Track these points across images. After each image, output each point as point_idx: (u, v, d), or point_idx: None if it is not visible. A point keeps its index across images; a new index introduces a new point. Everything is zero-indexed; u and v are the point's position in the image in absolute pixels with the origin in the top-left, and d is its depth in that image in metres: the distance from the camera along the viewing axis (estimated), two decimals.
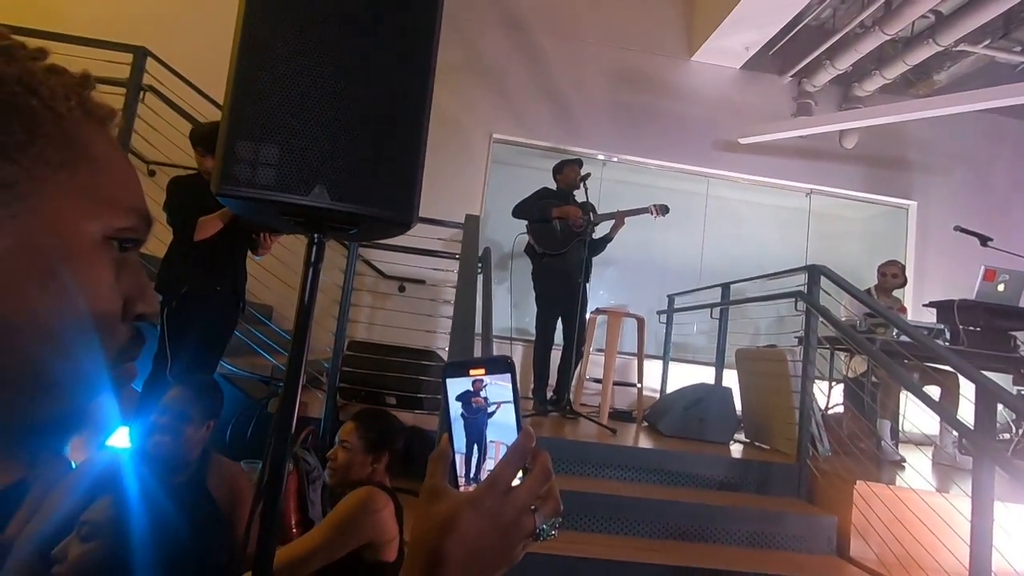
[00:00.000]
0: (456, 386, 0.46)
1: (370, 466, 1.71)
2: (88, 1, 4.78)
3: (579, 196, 3.83)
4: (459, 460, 0.45)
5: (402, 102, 1.05)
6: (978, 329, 3.42)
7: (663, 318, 4.93)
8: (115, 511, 1.33)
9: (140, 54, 3.22)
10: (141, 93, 3.22)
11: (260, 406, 2.95)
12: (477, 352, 2.25)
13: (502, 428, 0.45)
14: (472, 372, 0.46)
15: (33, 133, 0.33)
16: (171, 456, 1.68)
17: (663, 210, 3.73)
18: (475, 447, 0.45)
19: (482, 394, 0.45)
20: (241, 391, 2.98)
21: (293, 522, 2.11)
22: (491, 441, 0.45)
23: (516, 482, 0.42)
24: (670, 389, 4.38)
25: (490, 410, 0.45)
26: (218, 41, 0.96)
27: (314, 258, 1.14)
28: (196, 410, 1.72)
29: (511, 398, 0.45)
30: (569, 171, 3.90)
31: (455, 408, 0.45)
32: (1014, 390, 4.68)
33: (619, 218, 3.76)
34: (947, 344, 3.33)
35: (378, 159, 1.03)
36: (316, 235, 1.13)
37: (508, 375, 0.46)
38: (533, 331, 4.03)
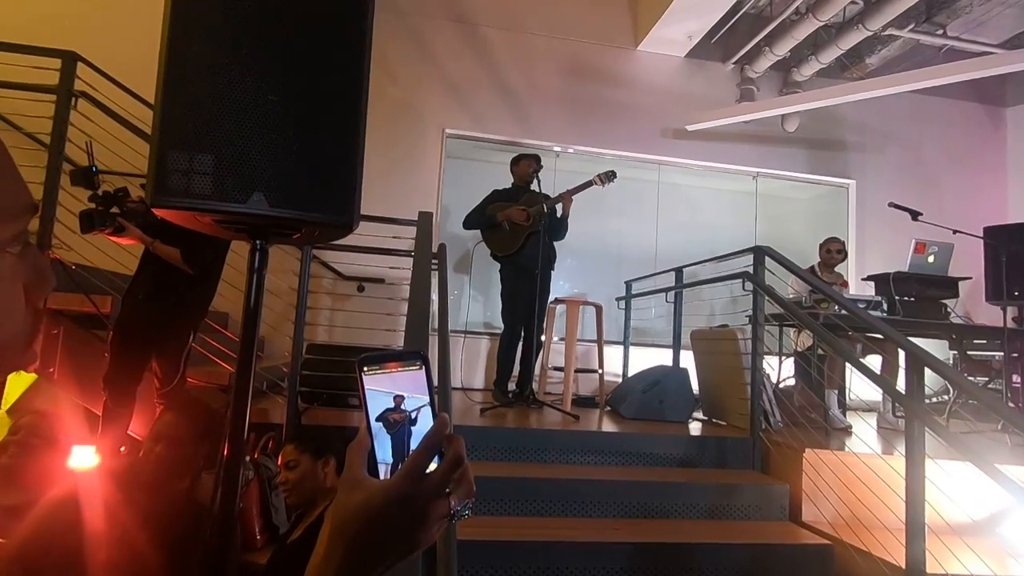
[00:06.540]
0: (376, 400, 0.45)
1: (321, 471, 1.80)
2: (13, 5, 4.54)
3: (534, 189, 3.88)
4: (384, 470, 0.45)
5: (337, 105, 1.05)
6: (912, 299, 3.62)
7: (622, 304, 5.04)
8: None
9: (69, 59, 3.08)
10: (73, 100, 3.09)
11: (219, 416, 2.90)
12: (434, 348, 2.27)
13: (425, 432, 0.45)
14: (388, 366, 0.46)
15: None
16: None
17: (609, 177, 3.72)
18: (401, 460, 0.45)
19: (403, 407, 0.46)
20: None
21: (257, 529, 2.09)
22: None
23: (433, 466, 0.43)
24: (631, 373, 4.49)
25: (412, 416, 0.46)
26: (151, 43, 0.95)
27: (257, 264, 1.14)
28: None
29: (427, 399, 0.46)
30: (525, 165, 3.95)
31: (376, 426, 0.45)
32: (950, 355, 4.99)
33: (566, 197, 3.81)
34: (884, 315, 3.52)
35: (316, 163, 1.03)
36: (258, 241, 1.13)
37: (423, 370, 0.46)
38: (497, 325, 4.06)
